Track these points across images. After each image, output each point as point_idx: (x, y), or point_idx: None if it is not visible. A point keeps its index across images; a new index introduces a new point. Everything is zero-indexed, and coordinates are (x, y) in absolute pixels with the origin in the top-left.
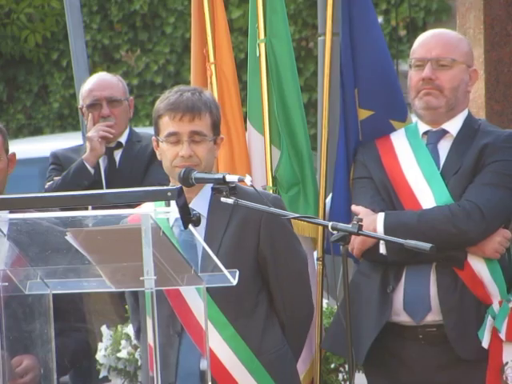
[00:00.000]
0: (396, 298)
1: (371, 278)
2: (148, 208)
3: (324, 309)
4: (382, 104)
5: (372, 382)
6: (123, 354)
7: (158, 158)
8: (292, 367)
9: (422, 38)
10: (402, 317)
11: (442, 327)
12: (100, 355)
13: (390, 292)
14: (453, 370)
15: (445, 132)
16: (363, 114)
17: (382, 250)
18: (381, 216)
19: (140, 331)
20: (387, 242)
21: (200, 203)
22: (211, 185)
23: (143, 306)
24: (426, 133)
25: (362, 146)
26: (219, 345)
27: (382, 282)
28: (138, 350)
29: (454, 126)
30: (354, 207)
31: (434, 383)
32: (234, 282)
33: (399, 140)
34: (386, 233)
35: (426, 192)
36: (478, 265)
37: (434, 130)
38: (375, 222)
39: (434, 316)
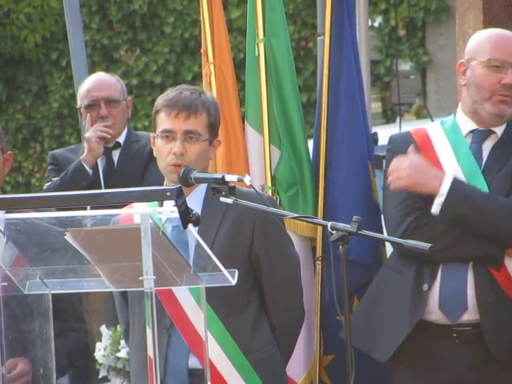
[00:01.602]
0: (431, 296)
1: (404, 275)
2: (139, 208)
3: None
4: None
5: (398, 379)
6: (122, 353)
7: (154, 154)
8: (280, 369)
9: (498, 37)
10: (435, 315)
11: (476, 326)
12: (99, 355)
13: (425, 290)
14: (486, 369)
15: (491, 132)
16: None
17: (435, 209)
18: (449, 176)
19: (128, 331)
20: (447, 201)
21: (193, 202)
22: (205, 183)
23: (132, 305)
24: (472, 131)
25: (395, 137)
26: (208, 341)
27: (415, 280)
28: None
29: (501, 125)
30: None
31: (465, 382)
32: (234, 281)
33: (436, 134)
34: (449, 194)
35: None
36: None
37: (481, 129)
38: (441, 180)
39: (470, 316)
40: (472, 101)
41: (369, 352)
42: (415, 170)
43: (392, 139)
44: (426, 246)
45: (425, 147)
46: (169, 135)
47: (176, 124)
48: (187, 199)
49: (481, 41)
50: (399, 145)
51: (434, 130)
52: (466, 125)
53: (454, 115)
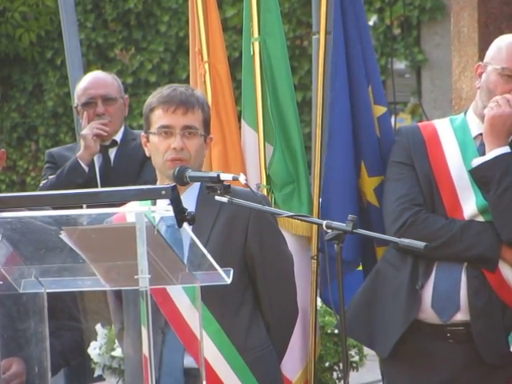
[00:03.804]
0: (424, 295)
1: (401, 271)
2: (133, 207)
3: (318, 307)
4: (385, 99)
5: (391, 377)
6: (118, 352)
7: (147, 154)
8: (275, 367)
9: None
10: (428, 314)
11: (470, 326)
12: (94, 354)
13: (418, 289)
14: (480, 369)
15: None
16: (379, 110)
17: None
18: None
19: (122, 331)
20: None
21: (187, 200)
22: (199, 182)
23: (127, 305)
24: (481, 134)
25: (404, 129)
26: (203, 340)
27: (411, 277)
28: None
29: None
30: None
31: (459, 382)
32: (229, 280)
33: (445, 131)
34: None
35: (468, 192)
36: (506, 270)
37: None
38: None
39: (463, 316)
40: (482, 105)
41: (370, 346)
42: None
43: (400, 131)
44: (421, 244)
45: (432, 143)
46: (167, 131)
47: (174, 119)
48: (181, 197)
49: (500, 47)
50: (407, 137)
51: (442, 127)
52: (476, 127)
53: (465, 114)
